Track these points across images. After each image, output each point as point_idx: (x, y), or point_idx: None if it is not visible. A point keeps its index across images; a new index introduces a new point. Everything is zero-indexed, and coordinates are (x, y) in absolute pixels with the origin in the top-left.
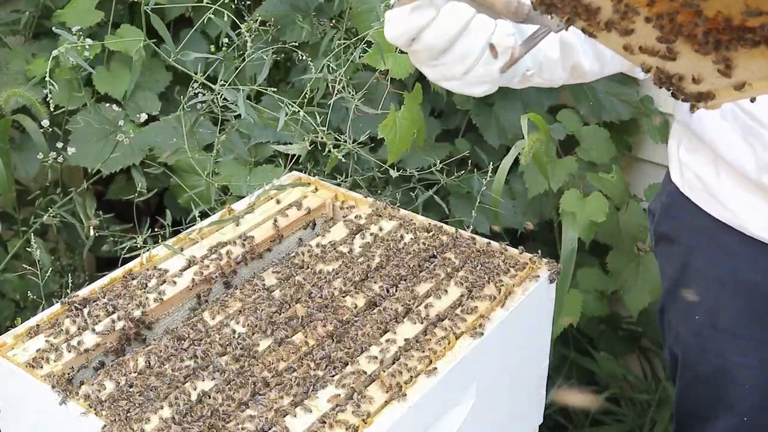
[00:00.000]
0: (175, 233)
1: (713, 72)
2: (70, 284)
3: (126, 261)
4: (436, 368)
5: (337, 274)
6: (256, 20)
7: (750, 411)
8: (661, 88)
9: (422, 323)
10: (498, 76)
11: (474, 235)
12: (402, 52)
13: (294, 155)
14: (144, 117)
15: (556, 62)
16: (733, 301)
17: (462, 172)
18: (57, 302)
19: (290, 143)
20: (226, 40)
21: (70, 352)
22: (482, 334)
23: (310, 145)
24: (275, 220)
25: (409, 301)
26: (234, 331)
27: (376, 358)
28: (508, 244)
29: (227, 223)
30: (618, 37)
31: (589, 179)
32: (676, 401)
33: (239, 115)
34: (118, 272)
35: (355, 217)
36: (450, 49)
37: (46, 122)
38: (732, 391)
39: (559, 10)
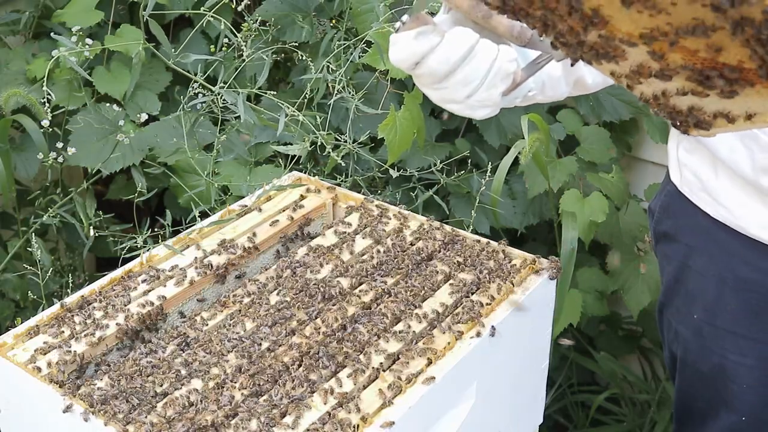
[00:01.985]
0: (175, 233)
1: (709, 103)
2: (70, 284)
3: (126, 261)
4: (436, 368)
5: (337, 274)
6: (256, 20)
7: (749, 410)
8: (657, 115)
9: (422, 323)
10: (499, 100)
11: (474, 235)
12: None
13: (294, 155)
14: (144, 117)
15: (559, 79)
16: (731, 300)
17: (462, 172)
18: (57, 302)
19: (290, 143)
20: (226, 40)
21: (70, 352)
22: (482, 334)
23: (310, 146)
24: (275, 221)
25: (409, 301)
26: (234, 331)
27: (376, 357)
28: (508, 244)
29: (227, 223)
30: (610, 65)
31: (589, 179)
32: (675, 400)
33: (239, 116)
34: (118, 272)
35: (355, 218)
36: (453, 74)
37: (46, 122)
38: (730, 390)
39: (527, 18)
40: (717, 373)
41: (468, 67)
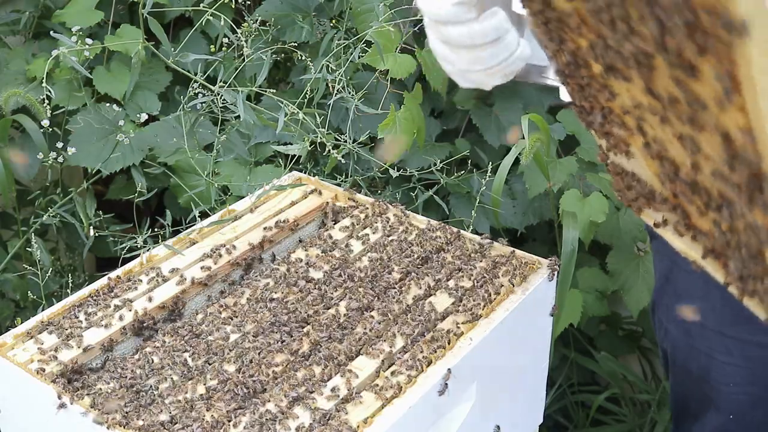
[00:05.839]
0: (175, 233)
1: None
2: (70, 284)
3: (126, 261)
4: (436, 368)
5: (336, 274)
6: (256, 20)
7: (737, 410)
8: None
9: (422, 323)
10: (490, 87)
11: (474, 235)
12: (403, 51)
13: (294, 155)
14: (144, 117)
15: None
16: (717, 300)
17: (462, 172)
18: (57, 302)
19: (290, 143)
20: (225, 40)
21: (70, 351)
22: (482, 334)
23: (310, 146)
24: (275, 221)
25: (409, 300)
26: (234, 332)
27: (376, 358)
28: (508, 244)
29: (227, 224)
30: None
31: (589, 179)
32: (671, 399)
33: (239, 116)
34: (118, 272)
35: (355, 218)
36: (466, 49)
37: (46, 122)
38: (717, 389)
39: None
40: (705, 372)
41: (483, 53)
